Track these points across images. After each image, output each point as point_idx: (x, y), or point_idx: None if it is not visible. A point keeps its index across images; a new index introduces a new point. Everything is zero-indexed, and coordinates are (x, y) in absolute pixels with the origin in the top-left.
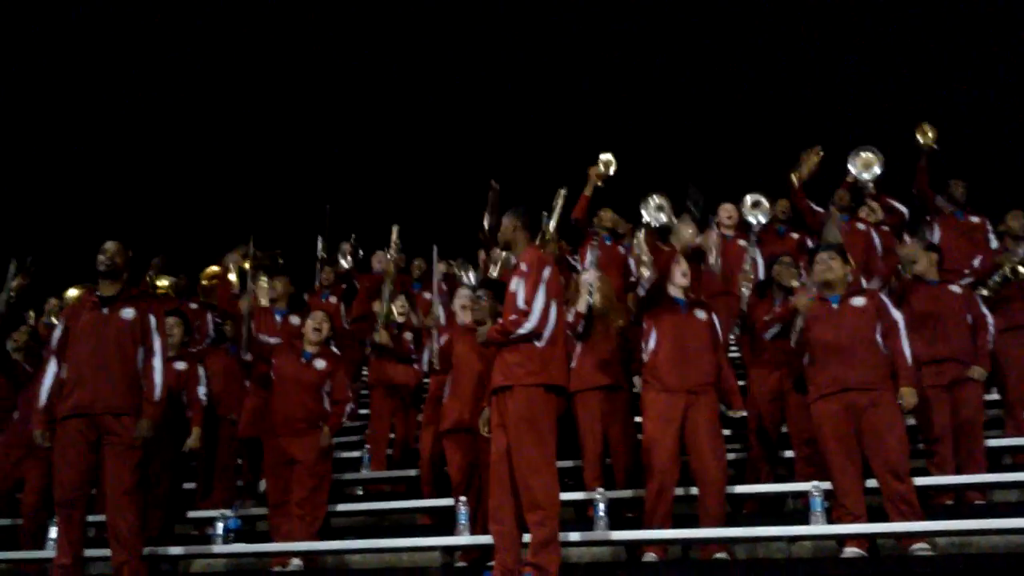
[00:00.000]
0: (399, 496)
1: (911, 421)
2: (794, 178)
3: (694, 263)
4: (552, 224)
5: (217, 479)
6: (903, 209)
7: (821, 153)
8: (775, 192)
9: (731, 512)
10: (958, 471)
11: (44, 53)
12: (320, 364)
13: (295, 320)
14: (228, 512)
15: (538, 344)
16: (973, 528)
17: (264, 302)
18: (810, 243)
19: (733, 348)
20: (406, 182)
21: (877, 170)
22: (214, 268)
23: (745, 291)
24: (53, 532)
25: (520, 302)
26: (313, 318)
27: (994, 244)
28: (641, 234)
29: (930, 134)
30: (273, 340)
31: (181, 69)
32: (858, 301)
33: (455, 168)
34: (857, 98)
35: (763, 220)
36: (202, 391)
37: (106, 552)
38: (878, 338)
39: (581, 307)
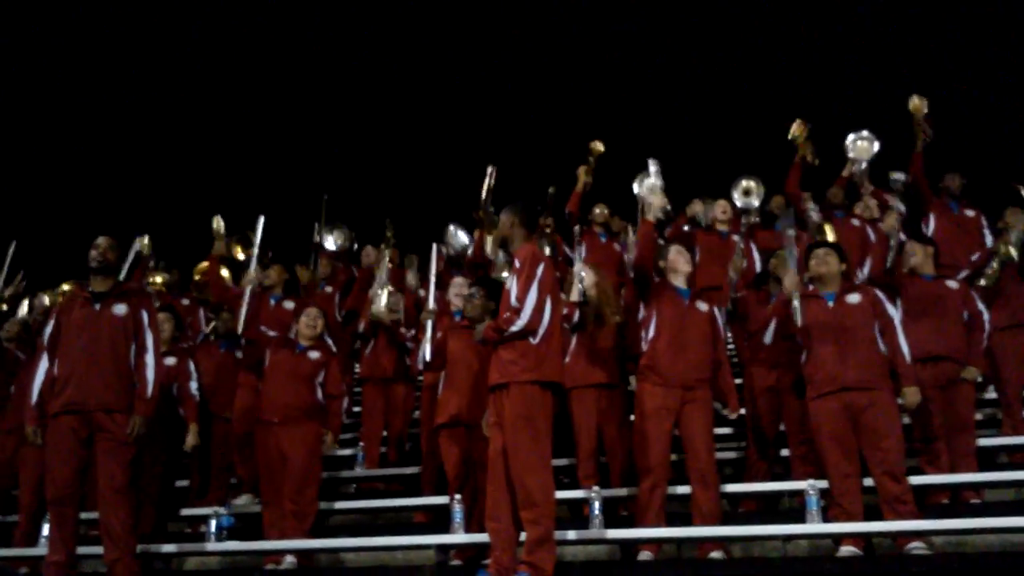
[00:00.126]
0: (394, 494)
1: (905, 420)
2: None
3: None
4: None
5: (212, 476)
6: (900, 206)
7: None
8: (773, 191)
9: (727, 510)
10: (952, 470)
11: (38, 47)
12: (314, 355)
13: (288, 305)
14: (221, 510)
15: (533, 341)
16: (969, 527)
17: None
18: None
19: (730, 347)
20: (405, 182)
21: (874, 148)
22: (206, 264)
23: (733, 276)
24: (46, 529)
25: (513, 299)
26: (307, 315)
27: (989, 240)
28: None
29: (924, 110)
30: (271, 333)
31: (176, 62)
32: (854, 298)
33: (455, 168)
34: (857, 98)
35: (756, 204)
36: (193, 386)
37: (99, 549)
38: (876, 335)
39: (574, 296)
